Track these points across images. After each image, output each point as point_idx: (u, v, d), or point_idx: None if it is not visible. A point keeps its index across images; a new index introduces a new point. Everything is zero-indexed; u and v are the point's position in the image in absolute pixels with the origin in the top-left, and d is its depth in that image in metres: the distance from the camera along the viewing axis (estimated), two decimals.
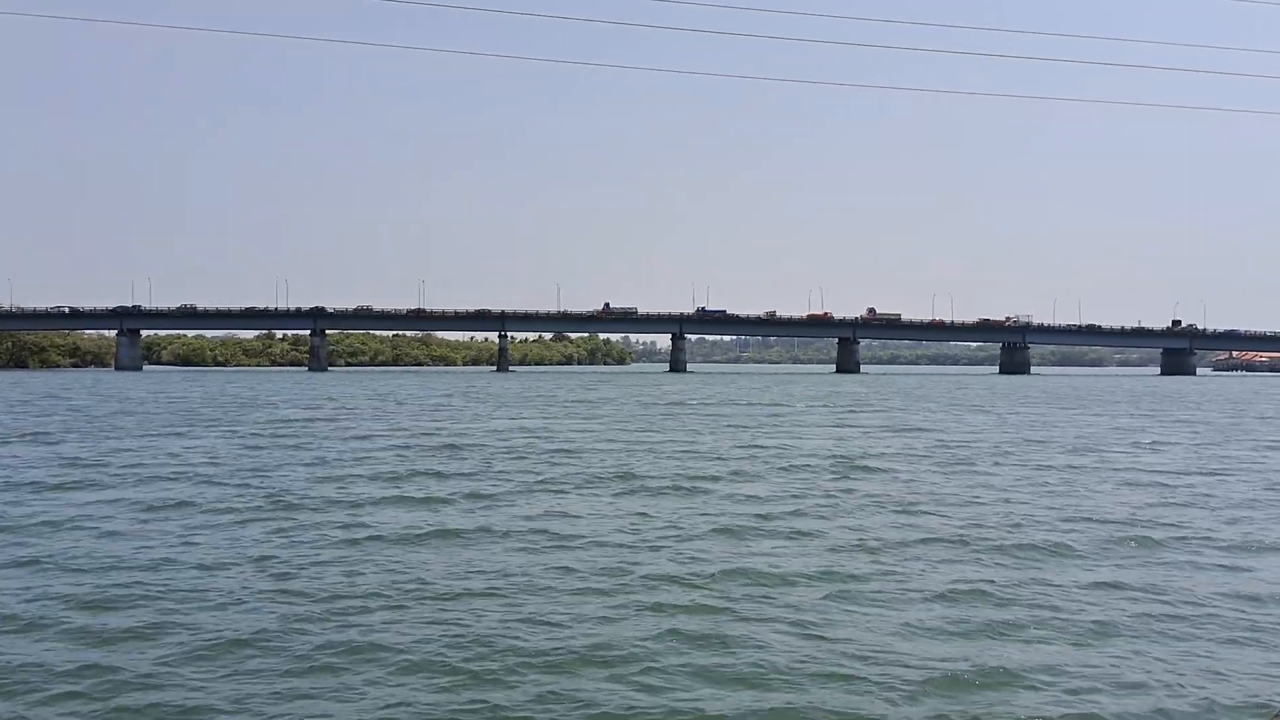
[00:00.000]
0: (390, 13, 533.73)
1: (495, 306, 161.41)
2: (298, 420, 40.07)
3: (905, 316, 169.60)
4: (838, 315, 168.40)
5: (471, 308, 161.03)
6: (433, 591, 11.11)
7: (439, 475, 21.29)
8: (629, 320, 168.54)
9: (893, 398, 68.64)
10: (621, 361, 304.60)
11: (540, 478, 20.96)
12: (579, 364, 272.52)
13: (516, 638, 9.46)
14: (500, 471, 22.11)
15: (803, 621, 10.03)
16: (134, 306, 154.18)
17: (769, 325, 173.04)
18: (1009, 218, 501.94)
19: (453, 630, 9.68)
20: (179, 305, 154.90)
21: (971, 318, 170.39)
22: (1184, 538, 14.64)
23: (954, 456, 26.53)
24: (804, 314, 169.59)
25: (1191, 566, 12.79)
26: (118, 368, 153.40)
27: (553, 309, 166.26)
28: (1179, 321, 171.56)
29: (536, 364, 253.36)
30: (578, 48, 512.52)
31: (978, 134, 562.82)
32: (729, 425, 39.01)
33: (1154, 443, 31.95)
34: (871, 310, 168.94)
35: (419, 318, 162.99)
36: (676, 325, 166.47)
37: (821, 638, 9.51)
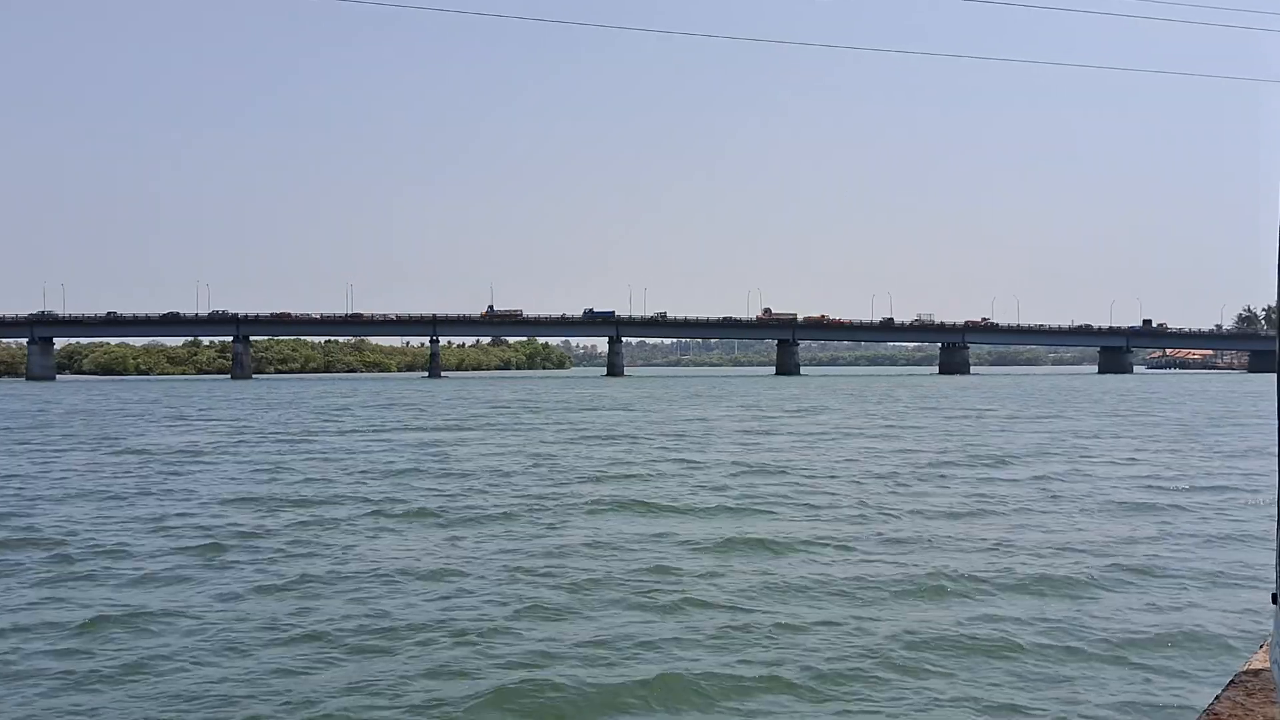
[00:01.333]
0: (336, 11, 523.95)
1: (427, 311, 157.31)
2: (153, 434, 36.43)
3: (800, 315, 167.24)
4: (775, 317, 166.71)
5: (403, 313, 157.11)
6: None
7: (265, 506, 18.05)
8: (563, 324, 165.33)
9: (831, 399, 66.27)
10: (561, 365, 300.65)
11: (391, 506, 17.82)
12: (517, 368, 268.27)
13: None
14: (343, 498, 18.92)
15: None
16: (44, 314, 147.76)
17: (703, 328, 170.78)
18: (948, 219, 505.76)
19: None
20: (90, 313, 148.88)
21: (914, 319, 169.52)
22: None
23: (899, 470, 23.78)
24: (721, 315, 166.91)
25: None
26: (29, 377, 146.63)
27: (553, 312, 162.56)
28: (1149, 321, 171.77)
29: (474, 369, 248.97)
30: (521, 45, 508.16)
31: (917, 135, 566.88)
32: (648, 435, 36.09)
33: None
34: (767, 310, 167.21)
35: (346, 322, 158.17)
36: (613, 328, 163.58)
37: None
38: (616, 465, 24.62)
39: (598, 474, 22.63)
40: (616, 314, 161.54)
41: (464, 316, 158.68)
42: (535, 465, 24.61)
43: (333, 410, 55.40)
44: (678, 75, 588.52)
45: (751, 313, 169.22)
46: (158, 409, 57.55)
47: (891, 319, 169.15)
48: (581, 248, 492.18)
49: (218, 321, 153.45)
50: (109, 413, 53.10)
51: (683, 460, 25.83)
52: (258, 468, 24.45)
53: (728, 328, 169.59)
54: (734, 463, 24.99)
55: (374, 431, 37.97)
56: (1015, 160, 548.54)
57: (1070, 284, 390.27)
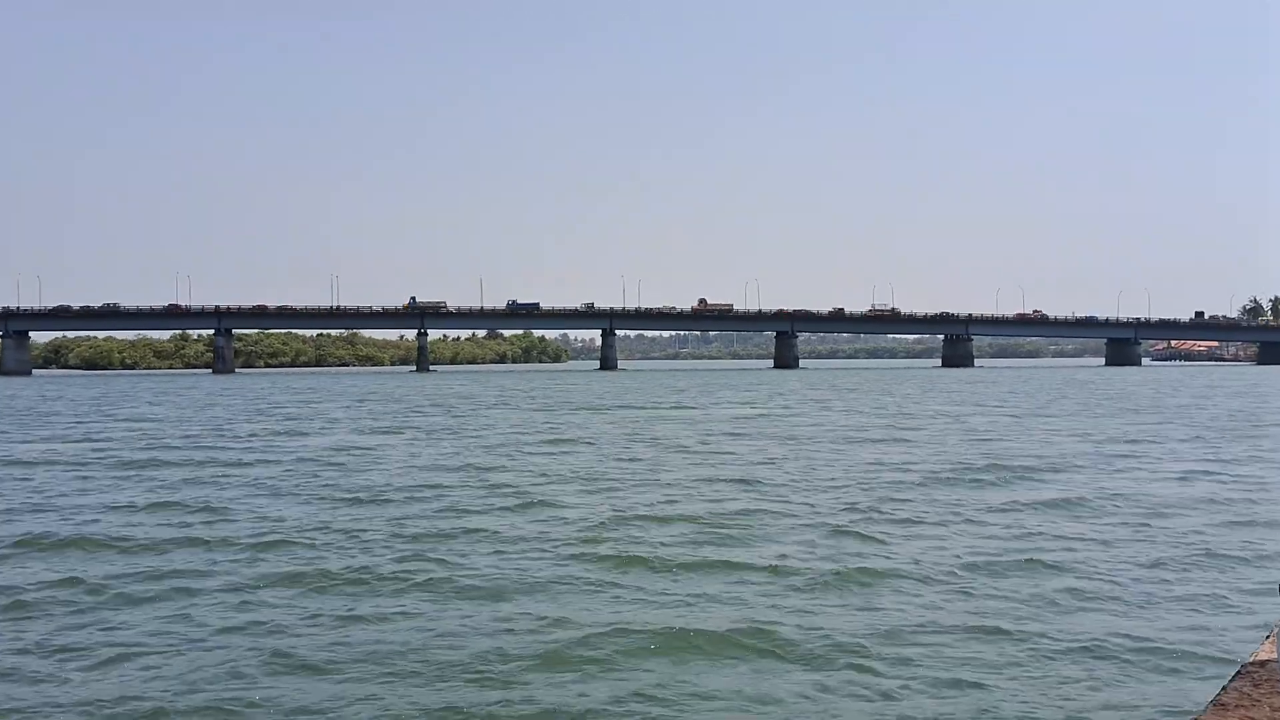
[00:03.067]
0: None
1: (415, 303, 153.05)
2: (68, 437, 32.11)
3: (737, 308, 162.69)
4: (770, 309, 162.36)
5: (390, 305, 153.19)
6: None
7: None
8: (555, 316, 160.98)
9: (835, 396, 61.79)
10: (557, 359, 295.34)
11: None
12: (513, 362, 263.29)
13: None
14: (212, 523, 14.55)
15: None
16: (16, 307, 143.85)
17: (698, 320, 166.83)
18: (949, 211, 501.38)
19: None
20: (58, 306, 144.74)
21: (869, 308, 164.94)
22: None
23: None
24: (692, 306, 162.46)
25: None
26: (3, 373, 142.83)
27: (476, 305, 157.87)
28: (1202, 313, 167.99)
29: (469, 362, 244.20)
30: (506, 31, 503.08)
31: (921, 129, 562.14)
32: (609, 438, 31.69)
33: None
34: (702, 301, 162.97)
35: (327, 315, 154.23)
36: (607, 320, 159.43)
37: None
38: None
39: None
40: (541, 306, 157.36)
41: (453, 310, 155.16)
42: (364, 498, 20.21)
43: (265, 407, 51.08)
44: (675, 64, 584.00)
45: (750, 306, 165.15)
46: (88, 406, 53.24)
47: (842, 309, 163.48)
48: (579, 241, 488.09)
49: (198, 315, 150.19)
50: (30, 411, 48.79)
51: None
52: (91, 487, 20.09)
53: (725, 320, 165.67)
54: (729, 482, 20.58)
55: (308, 435, 33.61)
56: (1015, 156, 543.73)
57: (1072, 278, 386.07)
